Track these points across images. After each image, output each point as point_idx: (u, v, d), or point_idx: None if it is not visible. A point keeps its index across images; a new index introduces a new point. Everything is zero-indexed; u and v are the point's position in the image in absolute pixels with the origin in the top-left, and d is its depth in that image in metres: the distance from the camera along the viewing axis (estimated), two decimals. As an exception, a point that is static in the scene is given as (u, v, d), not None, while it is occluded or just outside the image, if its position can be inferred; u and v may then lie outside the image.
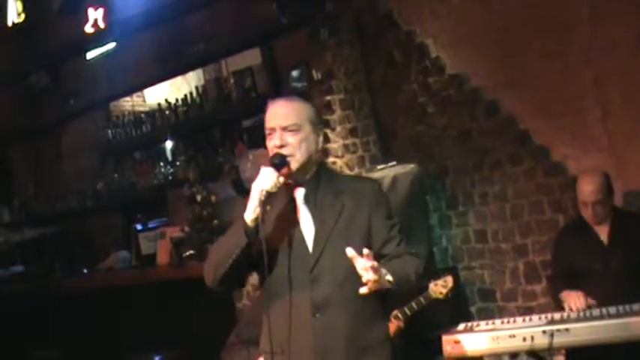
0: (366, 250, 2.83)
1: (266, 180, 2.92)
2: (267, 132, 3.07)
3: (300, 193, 3.10)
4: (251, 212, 2.93)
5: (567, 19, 5.38)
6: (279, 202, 3.08)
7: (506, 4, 5.67)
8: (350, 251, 2.84)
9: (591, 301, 4.37)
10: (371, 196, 3.11)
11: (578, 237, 4.65)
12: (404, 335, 4.58)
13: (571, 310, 4.35)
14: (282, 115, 3.04)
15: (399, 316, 4.64)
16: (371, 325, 3.05)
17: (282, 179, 2.96)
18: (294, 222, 3.07)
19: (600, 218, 4.55)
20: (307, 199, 3.09)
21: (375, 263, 2.83)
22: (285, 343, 3.04)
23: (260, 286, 3.18)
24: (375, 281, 2.82)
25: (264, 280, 3.06)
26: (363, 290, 2.84)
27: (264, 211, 2.94)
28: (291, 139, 3.01)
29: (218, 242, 3.19)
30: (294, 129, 3.02)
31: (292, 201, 3.10)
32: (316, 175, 3.11)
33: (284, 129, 3.01)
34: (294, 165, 3.01)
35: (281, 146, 3.00)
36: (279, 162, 2.97)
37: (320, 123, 3.15)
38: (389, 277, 2.92)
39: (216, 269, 3.06)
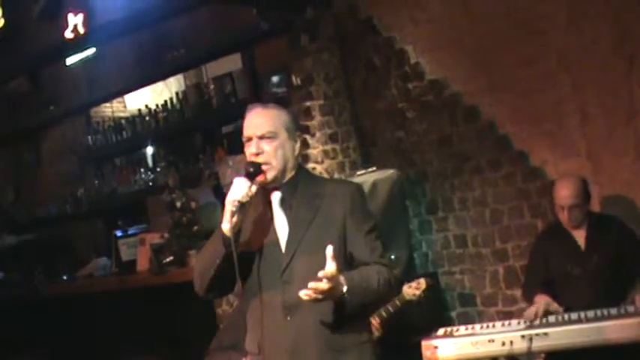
0: (329, 251, 2.85)
1: (238, 191, 2.96)
2: (244, 140, 3.10)
3: (276, 197, 3.13)
4: (226, 222, 2.96)
5: (545, 25, 5.41)
6: (257, 206, 3.12)
7: (484, 11, 5.70)
8: (329, 250, 2.86)
9: (558, 307, 4.38)
10: (347, 198, 3.11)
11: (556, 242, 4.68)
12: (383, 340, 4.60)
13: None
14: (258, 124, 3.07)
15: (376, 317, 4.67)
16: (346, 327, 3.04)
17: (254, 189, 2.99)
18: (270, 225, 3.10)
19: (576, 223, 4.58)
20: (283, 203, 3.12)
21: (333, 272, 2.84)
22: (261, 345, 3.08)
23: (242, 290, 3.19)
24: (322, 292, 2.85)
25: (243, 284, 3.09)
26: (303, 293, 2.86)
27: (239, 220, 2.97)
28: (267, 146, 3.05)
29: (201, 251, 3.23)
30: (270, 136, 3.06)
31: (269, 205, 3.13)
32: (294, 179, 3.14)
33: (260, 137, 3.05)
34: (270, 173, 3.06)
35: (257, 154, 3.04)
36: (254, 171, 3.01)
37: (297, 129, 3.19)
38: (343, 288, 2.92)
39: (201, 278, 3.12)
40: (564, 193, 4.57)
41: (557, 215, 4.67)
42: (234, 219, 2.94)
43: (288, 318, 3.01)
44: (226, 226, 2.96)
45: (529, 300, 4.63)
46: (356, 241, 3.09)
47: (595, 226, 4.60)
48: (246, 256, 3.04)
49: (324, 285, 2.84)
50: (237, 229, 2.97)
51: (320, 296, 2.86)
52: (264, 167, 3.03)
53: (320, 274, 2.84)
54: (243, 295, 3.15)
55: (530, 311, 4.40)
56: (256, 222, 3.11)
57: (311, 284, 2.84)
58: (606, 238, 4.56)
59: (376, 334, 4.59)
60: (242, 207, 2.96)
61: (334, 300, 2.93)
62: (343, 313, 2.99)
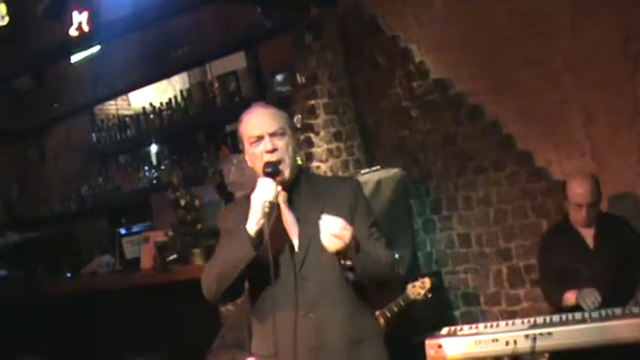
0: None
1: (267, 191, 2.93)
2: (249, 141, 3.06)
3: (282, 197, 3.12)
4: (254, 224, 2.93)
5: (549, 26, 5.42)
6: None
7: (489, 11, 5.70)
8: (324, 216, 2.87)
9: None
10: (350, 194, 3.14)
11: (564, 240, 4.67)
12: (387, 338, 4.59)
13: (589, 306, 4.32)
14: (267, 122, 3.05)
15: (380, 317, 4.67)
16: (362, 319, 3.09)
17: (279, 188, 2.98)
18: (281, 226, 3.09)
19: (591, 220, 4.56)
20: (290, 202, 3.12)
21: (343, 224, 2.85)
22: (278, 345, 3.05)
23: (249, 291, 3.17)
24: (340, 238, 2.84)
25: (257, 286, 3.08)
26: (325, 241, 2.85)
27: (266, 222, 2.94)
28: (279, 143, 3.04)
29: (216, 258, 3.14)
30: (281, 133, 3.05)
31: (277, 205, 3.12)
32: (296, 178, 3.14)
33: (272, 135, 3.03)
34: (286, 171, 3.05)
35: (273, 150, 3.02)
36: (273, 170, 2.99)
37: (296, 127, 3.20)
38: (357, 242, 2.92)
39: (219, 283, 3.04)
40: (581, 191, 4.53)
41: (570, 213, 4.62)
42: (263, 220, 2.91)
43: (310, 314, 3.01)
44: (254, 228, 2.93)
45: (553, 294, 4.61)
46: (362, 236, 3.06)
47: (603, 225, 4.59)
48: (261, 258, 3.00)
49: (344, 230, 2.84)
50: (261, 230, 2.94)
51: (341, 243, 2.84)
52: (280, 167, 3.02)
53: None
54: (252, 295, 3.13)
55: (593, 297, 4.33)
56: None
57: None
58: (614, 237, 4.57)
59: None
60: (272, 207, 2.93)
61: (351, 256, 2.90)
62: (365, 299, 3.05)
